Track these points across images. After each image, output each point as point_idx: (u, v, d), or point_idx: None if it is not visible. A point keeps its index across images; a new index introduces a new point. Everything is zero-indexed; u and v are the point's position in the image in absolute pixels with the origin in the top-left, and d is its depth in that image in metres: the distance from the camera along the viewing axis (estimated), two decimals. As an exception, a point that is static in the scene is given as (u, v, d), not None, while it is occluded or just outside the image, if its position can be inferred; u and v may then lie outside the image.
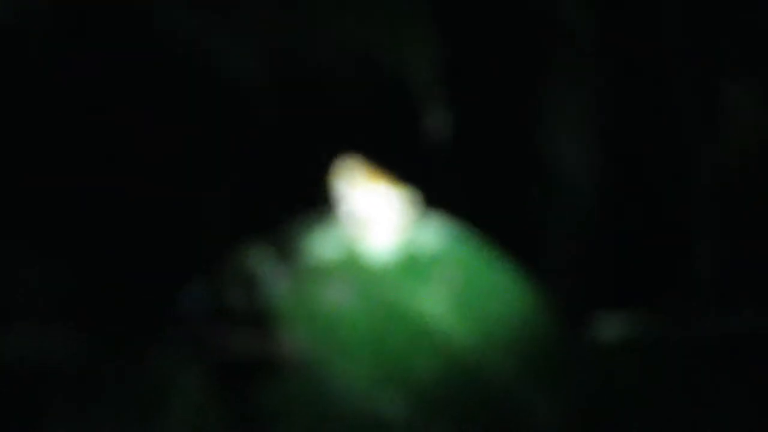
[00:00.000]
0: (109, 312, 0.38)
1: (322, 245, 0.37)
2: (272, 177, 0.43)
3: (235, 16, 0.46)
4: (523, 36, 0.44)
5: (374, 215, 0.37)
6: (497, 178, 0.44)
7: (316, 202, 0.38)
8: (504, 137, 0.45)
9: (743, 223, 0.42)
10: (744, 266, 0.41)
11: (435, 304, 0.35)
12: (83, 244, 0.40)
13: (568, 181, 0.43)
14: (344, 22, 0.44)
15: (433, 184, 0.38)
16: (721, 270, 0.41)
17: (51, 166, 0.41)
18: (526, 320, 0.35)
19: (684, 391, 0.35)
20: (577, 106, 0.43)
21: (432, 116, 0.40)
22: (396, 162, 0.38)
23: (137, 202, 0.40)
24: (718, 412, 0.35)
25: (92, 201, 0.41)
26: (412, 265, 0.36)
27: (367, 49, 0.43)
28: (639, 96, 0.45)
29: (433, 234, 0.37)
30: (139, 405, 0.35)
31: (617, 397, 0.36)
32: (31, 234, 0.40)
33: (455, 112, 0.40)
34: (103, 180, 0.40)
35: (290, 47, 0.45)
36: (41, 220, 0.40)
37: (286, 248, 0.37)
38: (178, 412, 0.34)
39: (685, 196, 0.43)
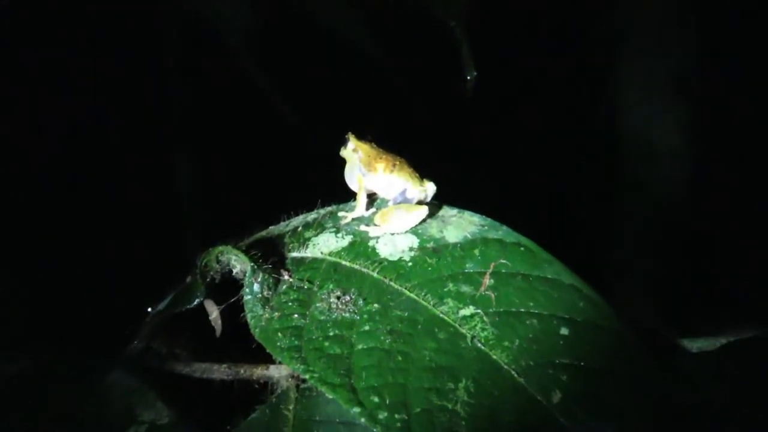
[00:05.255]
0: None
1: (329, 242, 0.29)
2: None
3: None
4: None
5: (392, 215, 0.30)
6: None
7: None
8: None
9: None
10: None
11: (465, 313, 0.26)
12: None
13: (658, 172, 0.32)
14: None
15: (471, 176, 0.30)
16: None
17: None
18: (587, 324, 0.26)
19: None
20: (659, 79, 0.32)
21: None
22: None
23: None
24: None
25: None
26: (430, 263, 0.28)
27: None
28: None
29: (456, 230, 0.29)
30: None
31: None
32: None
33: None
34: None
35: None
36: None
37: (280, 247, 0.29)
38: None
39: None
